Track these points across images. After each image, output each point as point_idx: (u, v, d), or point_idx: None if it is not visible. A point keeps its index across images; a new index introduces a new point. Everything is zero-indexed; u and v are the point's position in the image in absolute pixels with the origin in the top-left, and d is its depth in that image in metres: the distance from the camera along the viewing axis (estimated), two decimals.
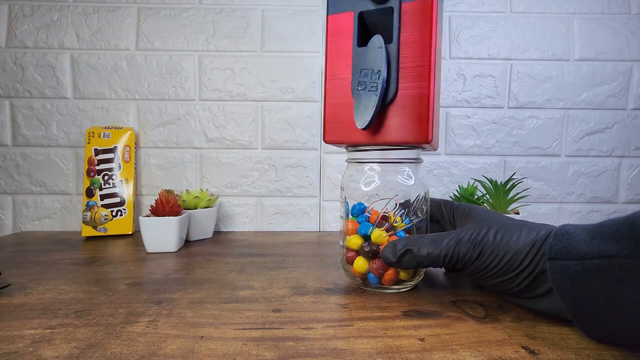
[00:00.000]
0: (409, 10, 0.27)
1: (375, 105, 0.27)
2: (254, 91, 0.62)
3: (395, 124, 0.28)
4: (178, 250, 0.47)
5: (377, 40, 0.28)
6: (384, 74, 0.27)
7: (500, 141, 0.63)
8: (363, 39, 0.29)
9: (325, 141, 0.31)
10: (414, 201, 0.31)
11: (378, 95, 0.27)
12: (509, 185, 0.48)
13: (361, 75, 0.28)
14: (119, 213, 0.57)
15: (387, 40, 0.28)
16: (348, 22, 0.30)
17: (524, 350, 0.21)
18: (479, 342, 0.23)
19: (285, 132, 0.62)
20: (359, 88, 0.28)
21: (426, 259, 0.28)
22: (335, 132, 0.31)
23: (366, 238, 0.32)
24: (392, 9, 0.28)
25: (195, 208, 0.54)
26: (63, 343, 0.22)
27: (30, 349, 0.21)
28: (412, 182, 0.31)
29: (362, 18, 0.30)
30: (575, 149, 0.63)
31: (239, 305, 0.29)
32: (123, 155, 0.59)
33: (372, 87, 0.27)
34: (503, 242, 0.26)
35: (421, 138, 0.27)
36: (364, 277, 0.32)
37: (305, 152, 0.63)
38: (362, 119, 0.27)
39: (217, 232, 0.61)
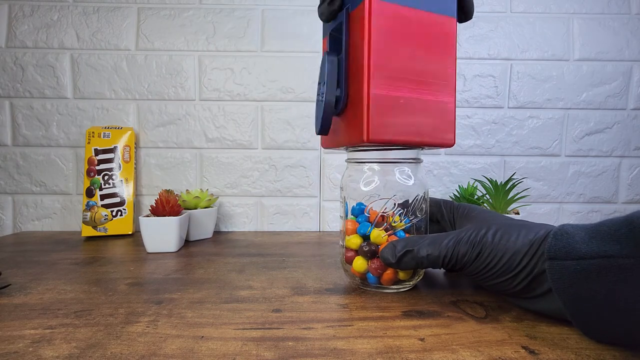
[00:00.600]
0: (354, 16, 0.28)
1: (320, 113, 0.30)
2: (254, 91, 0.62)
3: (348, 126, 0.29)
4: (178, 250, 0.47)
5: (324, 55, 0.30)
6: (326, 84, 0.29)
7: (500, 141, 0.63)
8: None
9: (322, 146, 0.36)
10: (413, 201, 0.31)
11: (323, 104, 0.29)
12: (509, 185, 0.48)
13: (319, 89, 0.31)
14: (119, 213, 0.57)
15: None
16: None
17: (524, 350, 0.21)
18: (479, 342, 0.23)
19: (285, 132, 0.62)
20: (316, 101, 0.32)
21: (426, 260, 0.28)
22: (324, 139, 0.35)
23: (365, 238, 0.32)
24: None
25: (195, 208, 0.54)
26: (63, 343, 0.22)
27: (30, 349, 0.21)
28: (411, 182, 0.31)
29: (334, 37, 0.32)
30: (575, 149, 0.63)
31: (239, 305, 0.29)
32: (123, 155, 0.59)
33: (321, 98, 0.30)
34: (502, 242, 0.26)
35: (358, 138, 0.28)
36: (363, 276, 0.32)
37: (305, 152, 0.63)
38: (316, 126, 0.31)
39: (217, 232, 0.61)
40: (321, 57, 0.34)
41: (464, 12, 0.30)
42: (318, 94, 0.31)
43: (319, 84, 0.31)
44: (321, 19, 0.31)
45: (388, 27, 0.27)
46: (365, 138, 0.27)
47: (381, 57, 0.27)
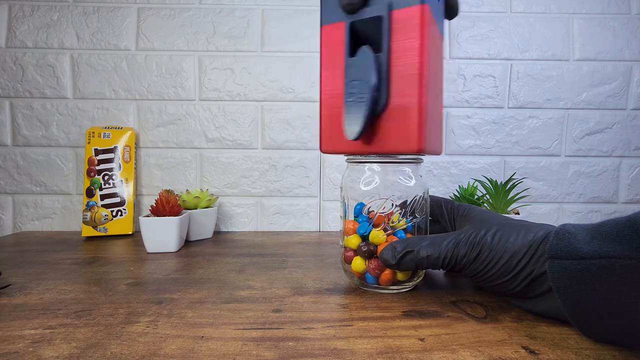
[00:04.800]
0: (399, 17, 0.27)
1: (364, 116, 0.26)
2: (254, 91, 0.62)
3: (388, 133, 0.28)
4: (178, 250, 0.47)
5: (365, 50, 0.27)
6: (372, 84, 0.26)
7: (500, 141, 0.63)
8: (354, 49, 0.29)
9: (322, 151, 0.31)
10: (411, 201, 0.31)
11: (367, 106, 0.26)
12: (509, 186, 0.48)
13: (350, 87, 0.27)
14: (119, 213, 0.57)
15: (379, 49, 0.28)
16: (340, 33, 0.29)
17: (524, 350, 0.21)
18: (479, 342, 0.23)
19: (285, 132, 0.62)
20: (349, 99, 0.28)
21: (425, 261, 0.28)
22: (331, 142, 0.31)
23: (364, 238, 0.32)
24: (381, 17, 0.27)
25: (195, 208, 0.54)
26: (63, 343, 0.22)
27: (30, 349, 0.21)
28: (412, 182, 0.31)
29: (353, 28, 0.29)
30: (575, 149, 0.63)
31: (239, 305, 0.29)
32: (123, 155, 0.59)
33: (360, 98, 0.27)
34: (500, 243, 0.26)
35: (411, 147, 0.27)
36: (362, 276, 0.32)
37: (305, 152, 0.63)
38: (351, 129, 0.27)
39: (217, 232, 0.61)
40: (319, 55, 0.32)
41: (450, 12, 0.32)
42: (351, 95, 0.27)
43: (352, 81, 0.27)
44: (346, 9, 0.28)
45: (430, 35, 0.27)
46: (417, 148, 0.26)
47: (428, 66, 0.27)
